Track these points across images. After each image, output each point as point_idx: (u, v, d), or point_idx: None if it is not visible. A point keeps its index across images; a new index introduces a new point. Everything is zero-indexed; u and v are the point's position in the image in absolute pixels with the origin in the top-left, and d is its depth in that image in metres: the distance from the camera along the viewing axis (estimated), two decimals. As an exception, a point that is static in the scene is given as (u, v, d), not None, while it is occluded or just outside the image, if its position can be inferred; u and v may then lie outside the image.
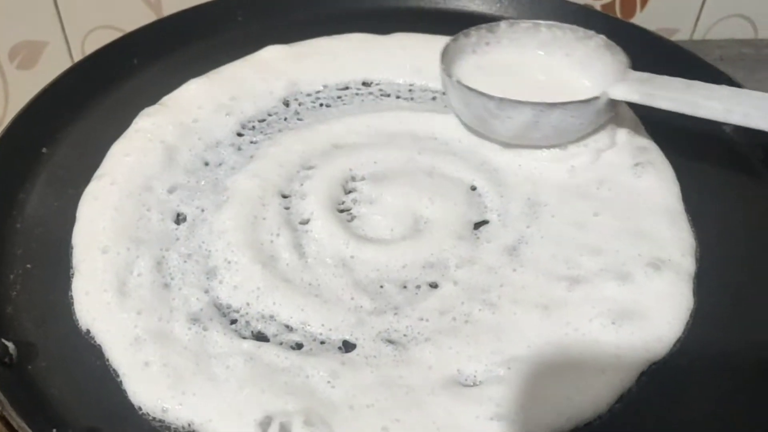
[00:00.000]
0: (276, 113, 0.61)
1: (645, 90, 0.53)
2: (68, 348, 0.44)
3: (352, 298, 0.47)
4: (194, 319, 0.46)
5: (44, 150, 0.56)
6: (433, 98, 0.63)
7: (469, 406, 0.41)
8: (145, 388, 0.42)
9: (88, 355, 0.44)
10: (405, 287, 0.48)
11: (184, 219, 0.52)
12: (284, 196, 0.54)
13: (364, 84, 0.64)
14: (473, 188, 0.55)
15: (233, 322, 0.46)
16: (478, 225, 0.52)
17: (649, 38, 0.68)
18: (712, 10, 0.85)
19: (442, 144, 0.58)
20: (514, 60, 0.61)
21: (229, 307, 0.47)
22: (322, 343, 0.45)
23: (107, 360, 0.44)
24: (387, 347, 0.44)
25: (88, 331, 0.45)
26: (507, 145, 0.57)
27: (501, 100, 0.53)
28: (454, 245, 0.50)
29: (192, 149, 0.57)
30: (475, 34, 0.61)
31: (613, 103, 0.54)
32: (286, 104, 0.62)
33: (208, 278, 0.48)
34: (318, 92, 0.63)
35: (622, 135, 0.58)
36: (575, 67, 0.60)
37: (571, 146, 0.56)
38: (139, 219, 0.51)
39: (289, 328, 0.46)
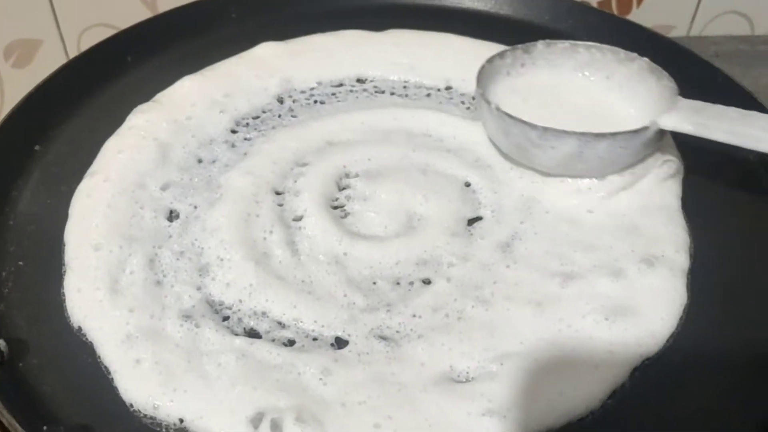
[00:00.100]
0: (270, 110, 0.61)
1: (698, 120, 0.50)
2: (60, 345, 0.44)
3: (345, 295, 0.47)
4: (186, 316, 0.45)
5: (37, 147, 0.56)
6: (428, 95, 0.63)
7: (461, 403, 0.41)
8: (136, 385, 0.42)
9: (80, 353, 0.44)
10: (398, 284, 0.48)
11: (177, 216, 0.52)
12: (278, 193, 0.54)
13: (359, 81, 0.64)
14: (467, 185, 0.55)
15: (225, 318, 0.46)
16: (471, 221, 0.52)
17: (644, 35, 0.68)
18: (708, 6, 0.85)
19: (436, 141, 0.58)
20: (550, 82, 0.58)
21: (221, 304, 0.47)
22: (315, 339, 0.45)
23: (99, 357, 0.44)
24: (379, 344, 0.44)
25: (80, 329, 0.45)
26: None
27: (545, 129, 0.50)
28: (448, 242, 0.50)
29: (185, 146, 0.56)
30: (510, 56, 0.58)
31: (661, 133, 0.52)
32: (280, 101, 0.62)
33: (200, 275, 0.48)
34: (312, 89, 0.63)
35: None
36: (616, 90, 0.57)
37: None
38: (132, 216, 0.51)
39: (281, 325, 0.46)
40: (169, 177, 0.54)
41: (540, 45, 0.58)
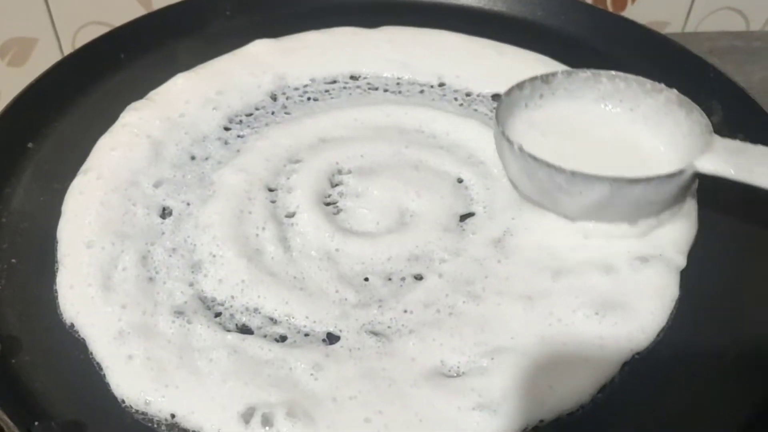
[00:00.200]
0: (263, 107, 0.61)
1: (740, 163, 0.46)
2: (52, 342, 0.45)
3: (337, 291, 0.47)
4: (178, 313, 0.46)
5: (30, 145, 0.56)
6: (421, 92, 0.63)
7: (452, 397, 0.41)
8: (128, 381, 0.42)
9: (72, 349, 0.44)
10: (390, 280, 0.48)
11: (170, 213, 0.52)
12: (270, 190, 0.54)
13: (352, 78, 0.64)
14: (460, 181, 0.55)
15: (217, 315, 0.46)
16: (464, 217, 0.52)
17: (636, 30, 0.68)
18: (703, 3, 0.85)
19: (429, 137, 0.58)
20: (570, 114, 0.54)
21: (213, 300, 0.47)
22: (306, 335, 0.45)
23: (91, 354, 0.44)
24: (371, 339, 0.45)
25: (72, 325, 0.45)
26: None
27: (573, 173, 0.46)
28: (440, 237, 0.50)
29: (178, 144, 0.56)
30: (529, 86, 0.54)
31: (696, 176, 0.48)
32: (274, 98, 0.62)
33: (193, 272, 0.48)
34: (305, 86, 0.63)
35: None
36: (641, 122, 0.53)
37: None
38: (125, 213, 0.51)
39: (273, 321, 0.46)
40: (162, 174, 0.54)
41: (560, 74, 0.54)
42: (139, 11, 0.77)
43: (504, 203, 0.53)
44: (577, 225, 0.50)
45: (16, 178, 0.54)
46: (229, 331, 0.45)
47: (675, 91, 0.52)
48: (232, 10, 0.70)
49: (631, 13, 0.84)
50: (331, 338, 0.45)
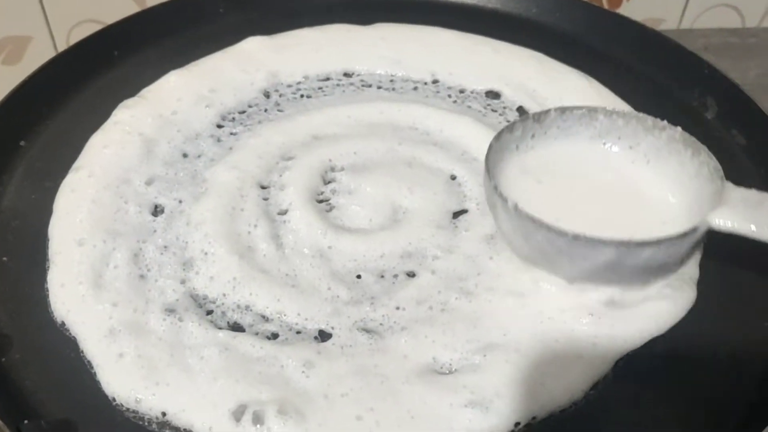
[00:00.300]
0: (256, 105, 0.60)
1: (761, 219, 0.42)
2: (43, 340, 0.44)
3: (329, 288, 0.47)
4: (170, 310, 0.45)
5: (22, 143, 0.56)
6: (415, 88, 0.62)
7: (444, 394, 0.41)
8: (118, 379, 0.42)
9: (63, 347, 0.44)
10: (382, 277, 0.48)
11: (162, 211, 0.52)
12: (263, 187, 0.54)
13: (346, 75, 0.63)
14: (453, 177, 0.55)
15: (209, 312, 0.46)
16: (457, 214, 0.52)
17: (632, 27, 0.68)
18: (698, -1, 0.85)
19: (422, 134, 0.58)
20: (565, 155, 0.50)
21: (205, 297, 0.47)
22: (298, 332, 0.45)
23: (81, 352, 0.44)
24: (363, 336, 0.44)
25: (63, 323, 0.45)
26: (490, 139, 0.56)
27: (575, 237, 0.42)
28: (433, 234, 0.50)
29: (171, 141, 0.56)
30: (520, 127, 0.49)
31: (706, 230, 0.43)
32: (267, 95, 0.61)
33: (184, 269, 0.48)
34: (299, 83, 0.62)
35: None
36: (641, 162, 0.49)
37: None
38: (117, 211, 0.51)
39: (265, 318, 0.46)
40: (154, 172, 0.54)
41: (553, 112, 0.50)
42: (133, 9, 0.77)
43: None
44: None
45: (7, 176, 0.53)
46: (220, 328, 0.45)
47: (679, 129, 0.48)
48: (226, 8, 0.69)
49: (626, 10, 0.84)
50: (323, 335, 0.45)
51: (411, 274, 0.48)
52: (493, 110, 0.60)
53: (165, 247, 0.49)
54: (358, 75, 0.63)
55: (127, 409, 0.41)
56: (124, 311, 0.45)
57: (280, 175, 0.54)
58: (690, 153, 0.47)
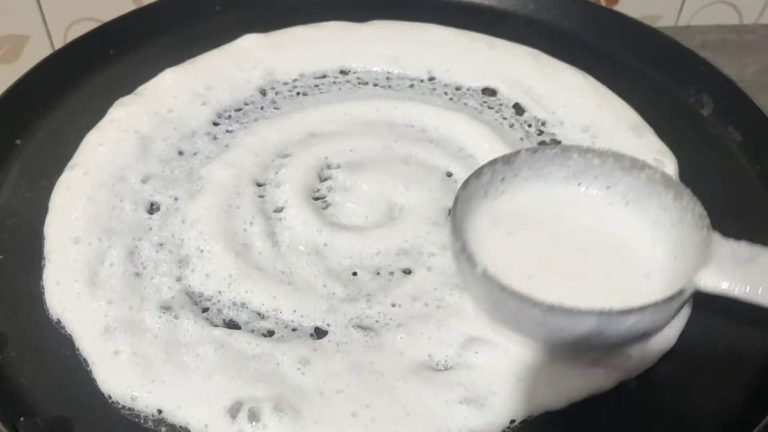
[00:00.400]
0: (252, 102, 0.60)
1: (754, 279, 0.39)
2: (39, 338, 0.44)
3: (325, 286, 0.47)
4: (165, 308, 0.45)
5: (18, 141, 0.56)
6: (411, 86, 0.62)
7: (439, 391, 0.41)
8: (114, 377, 0.42)
9: (59, 345, 0.44)
10: (378, 274, 0.48)
11: (158, 208, 0.52)
12: (259, 185, 0.54)
13: (342, 72, 0.63)
14: (449, 175, 0.55)
15: (205, 310, 0.46)
16: (452, 211, 0.52)
17: (629, 24, 0.68)
18: (695, -4, 0.85)
19: (418, 132, 0.58)
20: (537, 198, 0.47)
21: (200, 295, 0.47)
22: (294, 330, 0.45)
23: (77, 349, 0.44)
24: (358, 333, 0.44)
25: (59, 321, 0.45)
26: (486, 136, 0.56)
27: (550, 308, 0.39)
28: (429, 231, 0.50)
29: (167, 139, 0.56)
30: (488, 171, 0.46)
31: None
32: (263, 93, 0.61)
33: (180, 267, 0.48)
34: (295, 81, 0.62)
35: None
36: (620, 204, 0.46)
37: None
38: (112, 209, 0.51)
39: (260, 316, 0.46)
40: (150, 169, 0.54)
41: (523, 153, 0.47)
42: (129, 7, 0.77)
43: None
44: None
45: (3, 174, 0.53)
46: (216, 326, 0.45)
47: (659, 170, 0.46)
48: (222, 5, 0.69)
49: (623, 6, 0.84)
50: (319, 333, 0.45)
51: (407, 271, 0.48)
52: (489, 107, 0.60)
53: (160, 244, 0.49)
54: (355, 72, 0.63)
55: (123, 407, 0.41)
56: (120, 309, 0.45)
57: (276, 173, 0.54)
58: (672, 196, 0.45)
